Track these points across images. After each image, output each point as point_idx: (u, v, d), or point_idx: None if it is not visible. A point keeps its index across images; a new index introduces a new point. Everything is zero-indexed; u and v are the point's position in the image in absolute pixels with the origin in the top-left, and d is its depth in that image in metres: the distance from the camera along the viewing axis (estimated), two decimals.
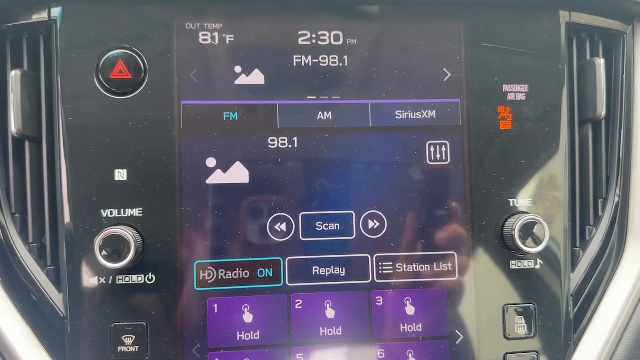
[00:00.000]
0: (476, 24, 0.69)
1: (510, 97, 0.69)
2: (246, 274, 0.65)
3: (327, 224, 0.66)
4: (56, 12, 0.65)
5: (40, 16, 0.65)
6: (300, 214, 0.66)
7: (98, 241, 0.60)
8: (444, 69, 0.68)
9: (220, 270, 0.64)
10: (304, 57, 0.67)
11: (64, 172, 0.63)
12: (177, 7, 0.65)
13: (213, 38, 0.66)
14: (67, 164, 0.63)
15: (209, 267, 0.64)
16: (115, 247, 0.60)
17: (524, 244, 0.65)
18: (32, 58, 0.67)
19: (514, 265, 0.68)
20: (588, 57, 0.74)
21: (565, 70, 0.71)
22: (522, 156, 0.69)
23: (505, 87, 0.69)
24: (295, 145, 0.66)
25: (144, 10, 0.65)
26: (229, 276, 0.64)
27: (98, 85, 0.64)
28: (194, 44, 0.65)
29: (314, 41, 0.67)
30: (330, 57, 0.67)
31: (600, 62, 0.72)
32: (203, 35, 0.66)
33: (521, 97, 0.69)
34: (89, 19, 0.64)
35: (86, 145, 0.63)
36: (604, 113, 0.72)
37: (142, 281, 0.63)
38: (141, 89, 0.64)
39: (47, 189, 0.66)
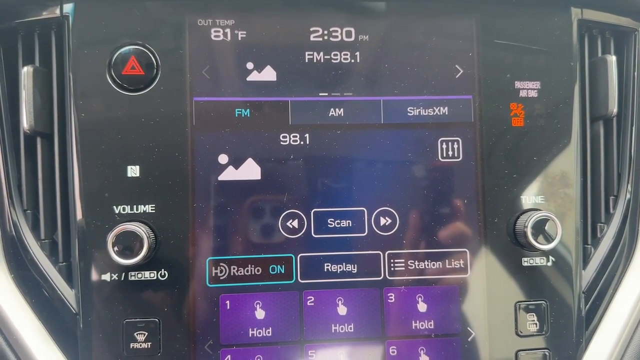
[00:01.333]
0: (488, 21, 0.69)
1: (522, 94, 0.69)
2: (258, 270, 0.65)
3: (338, 221, 0.66)
4: (68, 8, 0.64)
5: (52, 12, 0.65)
6: (312, 211, 0.66)
7: (111, 237, 0.59)
8: (456, 66, 0.68)
9: (232, 267, 0.64)
10: (315, 54, 0.67)
11: (75, 168, 0.63)
12: (189, 3, 0.65)
13: (225, 34, 0.66)
14: (79, 160, 0.63)
15: (221, 264, 0.64)
16: (128, 243, 0.59)
17: (536, 240, 0.64)
18: (44, 54, 0.67)
19: (526, 262, 0.68)
20: (599, 54, 0.74)
21: (577, 67, 0.70)
22: (534, 153, 0.69)
23: (517, 84, 0.69)
24: (307, 142, 0.66)
25: (155, 6, 0.65)
26: (240, 272, 0.64)
27: (110, 82, 0.64)
28: (206, 40, 0.65)
29: (325, 37, 0.67)
30: (342, 53, 0.67)
31: (612, 59, 0.72)
32: (215, 31, 0.66)
33: (533, 94, 0.69)
34: (101, 15, 0.64)
35: (98, 141, 0.63)
36: (615, 110, 0.72)
37: (155, 277, 0.63)
38: (153, 85, 0.64)
39: (59, 185, 0.66)
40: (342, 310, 0.65)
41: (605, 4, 0.73)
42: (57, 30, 0.66)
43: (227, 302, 0.64)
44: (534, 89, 0.69)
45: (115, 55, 0.64)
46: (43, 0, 0.65)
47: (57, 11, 0.65)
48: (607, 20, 0.74)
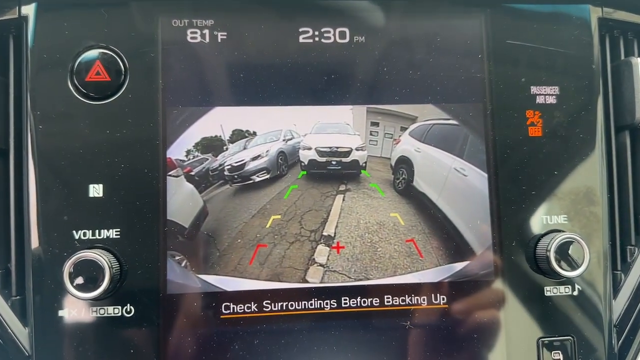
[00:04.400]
0: (499, 19, 0.63)
1: (540, 100, 0.62)
2: None
3: None
4: (28, 9, 0.59)
5: (10, 13, 0.59)
6: None
7: (67, 267, 0.53)
8: (464, 70, 0.61)
9: None
10: (305, 57, 0.60)
11: (32, 187, 0.57)
12: (162, 1, 0.59)
13: (203, 36, 0.59)
14: (37, 179, 0.57)
15: None
16: (88, 274, 0.52)
17: (559, 266, 0.57)
18: (1, 60, 0.60)
19: (549, 291, 0.61)
20: (622, 57, 0.68)
21: (599, 70, 0.64)
22: (555, 166, 0.62)
23: (534, 89, 0.62)
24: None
25: (124, 5, 0.59)
26: None
27: (72, 89, 0.58)
28: (182, 42, 0.59)
29: (316, 39, 0.61)
30: (335, 56, 0.60)
31: (637, 61, 0.66)
32: (192, 32, 0.59)
33: (551, 100, 0.62)
34: (63, 16, 0.58)
35: (58, 156, 0.57)
36: None
37: (120, 313, 0.56)
38: (120, 92, 0.58)
39: (14, 208, 0.59)
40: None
41: (626, 1, 0.67)
42: (15, 33, 0.60)
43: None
44: (552, 95, 0.63)
45: (78, 60, 0.58)
46: None
47: (15, 12, 0.59)
48: (630, 19, 0.68)
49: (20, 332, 0.57)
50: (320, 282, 0.58)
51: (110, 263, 0.53)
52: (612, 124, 0.67)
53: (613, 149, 0.66)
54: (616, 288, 0.65)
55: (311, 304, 0.57)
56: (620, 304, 0.64)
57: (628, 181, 0.67)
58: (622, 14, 0.67)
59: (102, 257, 0.52)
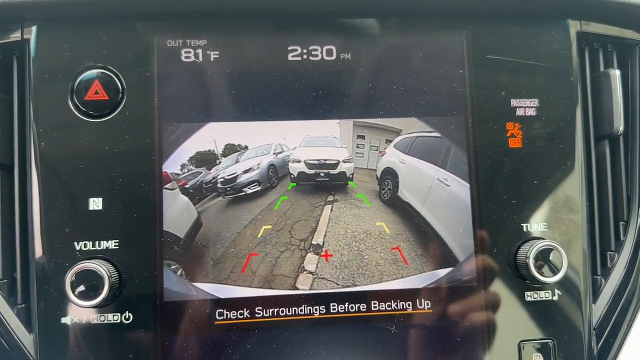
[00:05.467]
0: (479, 35, 0.65)
1: (519, 112, 0.64)
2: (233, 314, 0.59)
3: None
4: (30, 31, 0.61)
5: (13, 36, 0.61)
6: None
7: (69, 276, 0.55)
8: (446, 84, 0.63)
9: None
10: (294, 74, 0.62)
11: (35, 201, 0.59)
12: (157, 23, 0.62)
13: (196, 55, 0.62)
14: (39, 193, 0.59)
15: None
16: (88, 283, 0.55)
17: (539, 272, 0.59)
18: (5, 80, 0.63)
19: (530, 296, 0.62)
20: (602, 69, 0.69)
21: (577, 82, 0.66)
22: (535, 176, 0.64)
23: (514, 102, 0.64)
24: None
25: (121, 27, 0.61)
26: None
27: (72, 108, 0.60)
28: (176, 61, 0.61)
29: (304, 56, 0.63)
30: (323, 73, 0.62)
31: (616, 73, 0.67)
32: (186, 52, 0.61)
33: (531, 112, 0.64)
34: (64, 38, 0.60)
35: (59, 172, 0.59)
36: (621, 128, 0.67)
37: (119, 320, 0.58)
38: (118, 110, 0.60)
39: (19, 220, 0.61)
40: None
41: (605, 15, 0.68)
42: (19, 54, 0.63)
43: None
44: (532, 107, 0.64)
45: (78, 80, 0.60)
46: (3, 23, 0.61)
47: (19, 35, 0.61)
48: (609, 32, 0.69)
49: (26, 339, 0.59)
50: (310, 289, 0.60)
51: (110, 272, 0.55)
52: (591, 134, 0.68)
53: (593, 158, 0.68)
54: (596, 292, 0.66)
55: (301, 310, 0.60)
56: (600, 307, 0.66)
57: (608, 189, 0.68)
58: (601, 27, 0.69)
59: (101, 267, 0.55)
